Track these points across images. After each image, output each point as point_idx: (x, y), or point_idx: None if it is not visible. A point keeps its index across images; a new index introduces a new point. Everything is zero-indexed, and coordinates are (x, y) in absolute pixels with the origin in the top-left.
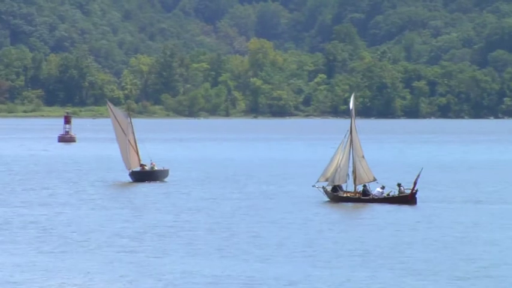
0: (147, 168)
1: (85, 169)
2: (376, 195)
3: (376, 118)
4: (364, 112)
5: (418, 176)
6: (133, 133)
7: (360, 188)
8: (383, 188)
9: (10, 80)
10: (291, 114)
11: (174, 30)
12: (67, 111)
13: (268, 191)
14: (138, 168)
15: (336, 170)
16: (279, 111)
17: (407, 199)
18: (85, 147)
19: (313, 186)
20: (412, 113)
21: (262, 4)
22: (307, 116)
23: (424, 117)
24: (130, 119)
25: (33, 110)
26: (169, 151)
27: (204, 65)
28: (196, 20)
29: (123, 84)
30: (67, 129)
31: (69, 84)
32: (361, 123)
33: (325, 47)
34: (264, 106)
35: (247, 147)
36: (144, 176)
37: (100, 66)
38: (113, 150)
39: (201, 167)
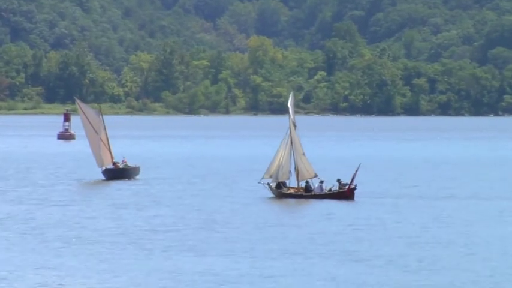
0: (119, 165)
1: (67, 167)
2: (317, 191)
3: (376, 115)
4: (364, 109)
5: (356, 171)
6: (105, 130)
7: (303, 184)
8: (322, 182)
9: (10, 77)
10: None
11: (174, 27)
12: (66, 108)
13: (224, 187)
14: (111, 166)
15: (278, 167)
16: (279, 108)
17: (346, 195)
18: (84, 144)
19: (259, 182)
20: (412, 110)
21: (262, 1)
22: (307, 113)
23: (424, 114)
24: (102, 117)
25: (33, 107)
26: (159, 148)
27: (204, 62)
28: (196, 17)
29: (123, 81)
30: (66, 127)
31: (69, 81)
32: (361, 120)
33: (325, 45)
34: (264, 103)
35: (241, 144)
36: (117, 173)
37: (100, 63)
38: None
39: (180, 165)
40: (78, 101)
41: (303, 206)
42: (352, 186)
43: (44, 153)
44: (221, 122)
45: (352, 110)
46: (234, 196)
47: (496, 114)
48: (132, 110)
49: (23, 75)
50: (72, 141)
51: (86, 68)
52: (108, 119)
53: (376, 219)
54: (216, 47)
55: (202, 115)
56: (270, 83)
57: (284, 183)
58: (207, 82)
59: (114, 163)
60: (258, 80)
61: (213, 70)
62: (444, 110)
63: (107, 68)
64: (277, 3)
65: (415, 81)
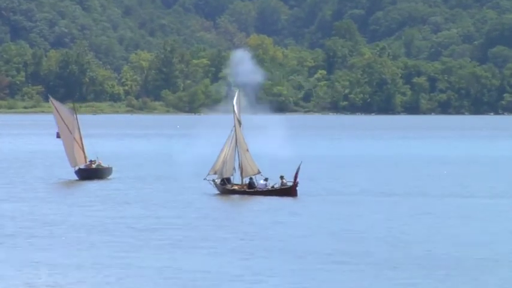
0: (94, 166)
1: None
2: (260, 188)
3: (376, 114)
4: (364, 108)
5: (298, 168)
6: (79, 130)
7: (247, 181)
8: (266, 180)
9: (10, 76)
10: (291, 110)
11: (174, 26)
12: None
13: (177, 185)
14: (83, 166)
15: (223, 163)
16: (279, 107)
17: (290, 191)
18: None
19: (204, 179)
20: (412, 109)
21: (262, 0)
22: (307, 112)
23: (424, 113)
24: (76, 116)
25: (33, 106)
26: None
27: (204, 61)
28: (196, 16)
29: (123, 80)
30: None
31: (70, 80)
32: (361, 119)
33: (325, 43)
34: (264, 102)
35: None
36: (90, 173)
37: (100, 62)
38: (105, 147)
39: (157, 164)
40: (52, 99)
41: (244, 203)
42: (291, 184)
43: (41, 151)
44: (221, 121)
45: (352, 108)
46: (180, 193)
47: (496, 112)
48: (132, 109)
49: (23, 74)
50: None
51: (86, 66)
52: (108, 118)
53: (317, 216)
54: (216, 45)
55: (202, 114)
56: (270, 82)
57: (229, 180)
58: (207, 81)
59: (90, 161)
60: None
61: (213, 69)
62: (444, 108)
63: (107, 66)
64: (277, 1)
65: (415, 79)
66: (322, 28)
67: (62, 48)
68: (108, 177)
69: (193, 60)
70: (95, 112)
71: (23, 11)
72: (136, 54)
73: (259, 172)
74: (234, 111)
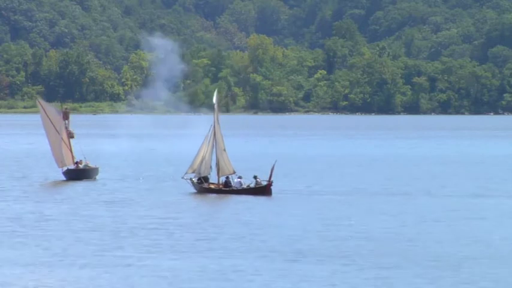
0: (81, 166)
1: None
2: (236, 187)
3: (376, 114)
4: (364, 108)
5: (273, 168)
6: (66, 130)
7: (223, 180)
8: (240, 178)
9: (10, 76)
10: (291, 110)
11: (174, 26)
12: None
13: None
14: (72, 167)
15: (201, 162)
16: (279, 107)
17: (264, 190)
18: (81, 143)
19: (182, 178)
20: (412, 108)
21: (262, 0)
22: (307, 111)
23: (424, 113)
24: (61, 115)
25: (33, 106)
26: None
27: (204, 60)
28: (196, 15)
29: (123, 80)
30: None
31: (70, 80)
32: (361, 119)
33: (325, 43)
34: (264, 102)
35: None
36: (77, 174)
37: (100, 62)
38: (104, 145)
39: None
40: (39, 99)
41: (219, 202)
42: (266, 183)
43: (40, 151)
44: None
45: (352, 108)
46: (160, 193)
47: (496, 112)
48: (132, 109)
49: (23, 74)
50: (71, 139)
51: (86, 66)
52: (108, 118)
53: (291, 214)
54: (216, 45)
55: (202, 114)
56: (270, 82)
57: (206, 179)
58: (207, 81)
59: (76, 162)
60: (258, 78)
61: (213, 68)
62: (444, 108)
63: (108, 66)
64: (277, 1)
65: (415, 79)
66: (322, 28)
67: (62, 48)
68: (95, 178)
69: (193, 60)
70: (94, 112)
71: (23, 11)
72: (136, 54)
73: (234, 172)
74: (214, 110)
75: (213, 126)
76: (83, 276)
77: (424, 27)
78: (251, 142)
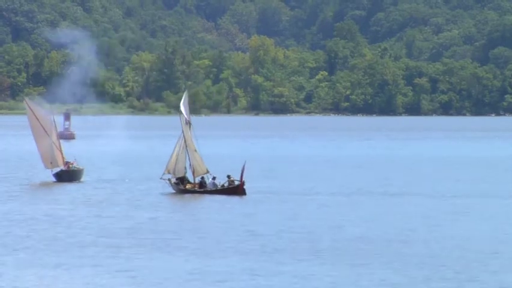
0: (72, 167)
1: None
2: (210, 187)
3: (377, 115)
4: (365, 109)
5: (243, 168)
6: (56, 131)
7: (198, 180)
8: (214, 178)
9: (12, 77)
10: (292, 111)
11: (176, 27)
12: (67, 108)
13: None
14: (58, 169)
15: (175, 163)
16: (280, 108)
17: (237, 190)
18: (82, 144)
19: (161, 178)
20: (413, 110)
21: (263, 1)
22: (308, 113)
23: (425, 114)
24: (54, 117)
25: None
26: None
27: (206, 62)
28: (197, 17)
29: (124, 81)
30: (66, 126)
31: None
32: (362, 120)
33: (326, 44)
34: (265, 103)
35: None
36: (68, 175)
37: (101, 63)
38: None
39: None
40: (27, 100)
41: (192, 202)
42: (238, 182)
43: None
44: (222, 122)
45: (354, 109)
46: (138, 194)
47: (498, 113)
48: (134, 110)
49: (24, 75)
50: (72, 140)
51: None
52: (107, 119)
53: (264, 213)
54: (218, 46)
55: (203, 115)
56: (272, 83)
57: (183, 179)
58: (209, 82)
59: (67, 163)
60: (260, 79)
61: (214, 70)
62: (445, 109)
63: (109, 67)
64: (279, 2)
65: (417, 80)
66: (323, 29)
67: (63, 49)
68: (81, 179)
69: (195, 61)
70: (95, 113)
71: (24, 12)
72: (137, 55)
73: (207, 171)
74: (182, 112)
75: (182, 128)
76: (51, 276)
77: (426, 28)
78: (250, 142)
